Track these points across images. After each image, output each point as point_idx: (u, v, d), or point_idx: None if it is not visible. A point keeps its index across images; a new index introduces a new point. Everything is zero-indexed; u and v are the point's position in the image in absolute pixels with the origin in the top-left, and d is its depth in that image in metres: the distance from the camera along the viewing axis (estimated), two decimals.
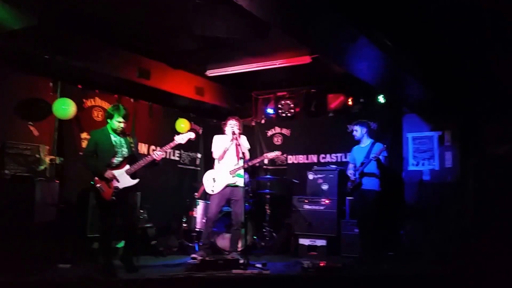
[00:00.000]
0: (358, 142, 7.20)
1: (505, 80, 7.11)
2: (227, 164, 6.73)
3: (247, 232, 6.52)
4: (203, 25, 6.16)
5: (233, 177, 6.68)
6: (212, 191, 6.69)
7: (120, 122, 5.68)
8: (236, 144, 6.65)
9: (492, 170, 7.42)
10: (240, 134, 6.72)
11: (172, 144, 6.00)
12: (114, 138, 5.72)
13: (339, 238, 7.60)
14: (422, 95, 7.36)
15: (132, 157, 5.75)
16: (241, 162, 6.63)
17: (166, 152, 6.13)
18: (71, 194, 7.07)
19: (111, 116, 5.71)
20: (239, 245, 6.92)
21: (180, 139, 5.99)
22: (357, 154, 7.09)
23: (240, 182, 6.68)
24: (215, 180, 6.71)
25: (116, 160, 5.66)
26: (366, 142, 7.07)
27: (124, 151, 5.73)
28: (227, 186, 6.67)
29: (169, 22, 6.48)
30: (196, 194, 8.09)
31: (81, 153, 7.28)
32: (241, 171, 6.66)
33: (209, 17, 6.00)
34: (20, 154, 6.66)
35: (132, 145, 5.84)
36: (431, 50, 6.56)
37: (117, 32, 6.87)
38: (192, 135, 6.18)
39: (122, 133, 5.80)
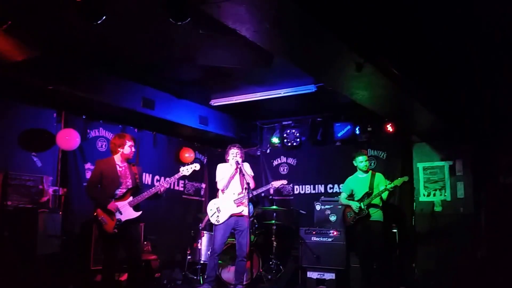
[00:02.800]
0: (355, 171, 7.17)
1: None
2: (231, 194, 6.61)
3: (253, 264, 6.40)
4: (207, 55, 6.18)
5: (237, 206, 6.56)
6: (217, 221, 6.54)
7: (131, 146, 5.72)
8: (240, 173, 6.56)
9: (505, 200, 7.30)
10: (242, 162, 6.62)
11: (177, 176, 5.96)
12: (120, 168, 5.66)
13: (348, 271, 7.41)
14: (432, 124, 7.34)
15: (136, 189, 5.68)
16: (245, 192, 6.52)
17: (170, 183, 6.02)
18: (74, 225, 7.06)
19: (122, 144, 5.68)
20: (245, 277, 6.75)
21: (185, 170, 5.93)
22: (356, 185, 7.02)
23: (245, 211, 6.56)
24: (220, 210, 6.58)
25: (120, 191, 5.58)
26: (366, 172, 7.03)
27: (129, 182, 5.66)
28: (232, 216, 6.54)
29: (173, 52, 6.49)
30: (200, 225, 7.98)
31: (85, 184, 7.29)
32: (246, 200, 6.54)
33: (213, 47, 6.03)
34: (23, 185, 6.70)
35: (137, 176, 5.76)
36: (441, 79, 6.57)
37: (121, 62, 6.90)
38: (197, 167, 6.09)
39: (127, 162, 5.76)
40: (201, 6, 3.85)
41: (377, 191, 6.72)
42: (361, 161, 6.99)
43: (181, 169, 5.96)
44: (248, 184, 6.21)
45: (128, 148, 5.69)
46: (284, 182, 7.31)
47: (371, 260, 6.79)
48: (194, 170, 6.04)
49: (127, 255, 5.62)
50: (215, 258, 6.51)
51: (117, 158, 5.70)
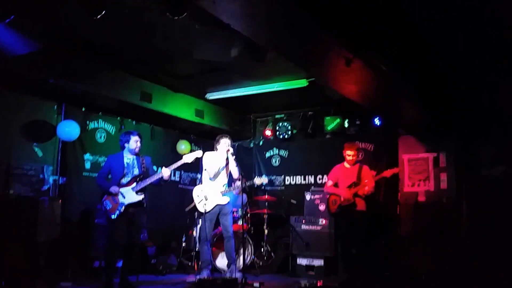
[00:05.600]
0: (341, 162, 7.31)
1: (500, 102, 7.26)
2: (217, 183, 6.78)
3: (246, 251, 6.60)
4: (203, 49, 6.32)
5: (223, 197, 6.75)
6: (205, 210, 6.63)
7: (136, 140, 6.05)
8: (226, 164, 6.75)
9: (487, 191, 7.51)
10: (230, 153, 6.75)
11: (179, 163, 6.21)
12: (127, 160, 6.04)
13: (336, 258, 7.63)
14: (418, 117, 7.49)
15: (141, 176, 5.97)
16: (238, 183, 6.77)
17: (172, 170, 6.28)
18: (74, 213, 7.22)
19: (126, 140, 6.03)
20: (234, 254, 6.89)
21: (187, 158, 6.21)
22: (343, 174, 7.13)
23: (227, 200, 6.77)
24: (207, 199, 6.67)
25: (125, 179, 5.93)
26: (352, 165, 7.15)
27: (136, 171, 6.01)
28: (217, 205, 6.72)
29: (170, 47, 6.63)
30: (186, 209, 8.15)
31: (84, 174, 7.58)
32: (233, 190, 6.82)
33: (209, 42, 6.15)
34: (25, 175, 6.83)
35: (144, 164, 6.07)
36: (426, 73, 6.65)
37: (120, 57, 7.02)
38: (199, 154, 6.37)
39: (136, 155, 6.09)
40: (196, 1, 4.00)
41: (364, 181, 6.86)
42: (348, 154, 7.11)
43: (184, 156, 6.23)
44: (231, 175, 6.45)
45: (133, 143, 6.03)
46: (265, 181, 7.39)
47: (352, 247, 6.95)
48: (196, 158, 6.33)
49: (127, 238, 5.87)
50: (207, 243, 6.71)
51: (125, 152, 6.07)
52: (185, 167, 7.88)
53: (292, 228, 8.02)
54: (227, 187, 6.83)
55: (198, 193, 6.86)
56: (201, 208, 6.73)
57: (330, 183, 7.28)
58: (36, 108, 7.16)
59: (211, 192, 6.75)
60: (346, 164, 7.20)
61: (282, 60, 6.01)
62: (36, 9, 5.42)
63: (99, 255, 6.90)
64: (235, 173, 6.66)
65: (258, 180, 7.27)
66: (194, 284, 6.10)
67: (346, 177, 7.08)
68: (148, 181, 5.93)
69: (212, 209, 6.70)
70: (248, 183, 7.38)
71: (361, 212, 6.90)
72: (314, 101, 9.17)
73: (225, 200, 6.75)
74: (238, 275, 6.48)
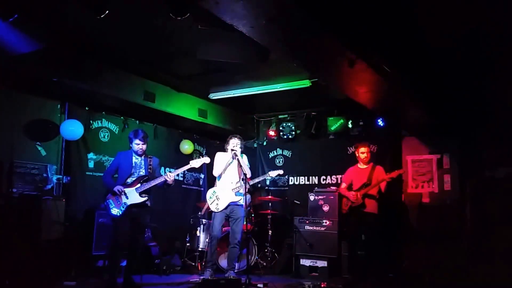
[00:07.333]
0: (355, 163, 7.32)
1: (504, 104, 7.25)
2: (229, 182, 6.77)
3: (249, 252, 6.58)
4: (206, 50, 6.31)
5: (235, 195, 6.74)
6: (217, 209, 6.68)
7: (137, 144, 6.00)
8: (238, 164, 6.73)
9: (490, 193, 7.52)
10: (241, 153, 6.78)
11: (185, 167, 6.24)
12: (135, 159, 6.04)
13: (340, 259, 7.61)
14: (421, 119, 7.47)
15: (147, 177, 5.97)
16: (243, 182, 6.73)
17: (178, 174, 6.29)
18: (77, 213, 7.22)
19: (131, 140, 6.03)
20: (236, 262, 6.88)
21: (194, 163, 6.22)
22: (356, 175, 7.13)
23: (242, 200, 6.74)
24: (219, 198, 6.72)
25: (130, 179, 5.93)
26: (366, 164, 7.16)
27: (142, 171, 6.01)
28: (230, 204, 6.71)
29: (173, 47, 6.65)
30: (200, 213, 8.20)
31: (87, 173, 7.57)
32: (242, 190, 6.76)
33: (212, 42, 6.17)
34: (28, 173, 6.83)
35: (150, 166, 6.07)
36: (430, 75, 6.65)
37: (124, 56, 7.04)
38: (207, 160, 6.39)
39: (143, 154, 6.09)
40: (199, 1, 3.98)
41: (376, 182, 6.84)
42: (362, 152, 7.10)
43: (191, 161, 6.23)
44: (245, 174, 6.43)
45: (135, 145, 6.01)
46: (280, 172, 7.46)
47: (358, 249, 6.94)
48: (204, 163, 6.37)
49: (130, 238, 5.88)
50: (215, 244, 6.69)
51: (133, 150, 6.06)
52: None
53: (295, 229, 7.99)
54: (238, 185, 6.78)
55: (210, 194, 6.88)
56: (213, 208, 6.76)
57: (343, 185, 7.28)
58: (39, 107, 7.16)
59: (223, 192, 6.76)
60: (360, 165, 7.19)
61: (285, 60, 5.98)
62: (40, 8, 5.43)
63: (103, 254, 6.91)
64: (248, 174, 6.62)
65: (273, 173, 7.36)
66: (198, 284, 6.08)
67: (359, 178, 7.06)
68: (152, 183, 5.93)
69: (224, 208, 6.69)
70: (260, 179, 7.43)
71: (371, 214, 6.86)
72: (317, 101, 9.19)
73: (237, 198, 6.72)
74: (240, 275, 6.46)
